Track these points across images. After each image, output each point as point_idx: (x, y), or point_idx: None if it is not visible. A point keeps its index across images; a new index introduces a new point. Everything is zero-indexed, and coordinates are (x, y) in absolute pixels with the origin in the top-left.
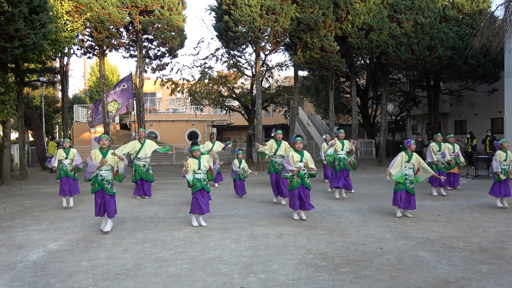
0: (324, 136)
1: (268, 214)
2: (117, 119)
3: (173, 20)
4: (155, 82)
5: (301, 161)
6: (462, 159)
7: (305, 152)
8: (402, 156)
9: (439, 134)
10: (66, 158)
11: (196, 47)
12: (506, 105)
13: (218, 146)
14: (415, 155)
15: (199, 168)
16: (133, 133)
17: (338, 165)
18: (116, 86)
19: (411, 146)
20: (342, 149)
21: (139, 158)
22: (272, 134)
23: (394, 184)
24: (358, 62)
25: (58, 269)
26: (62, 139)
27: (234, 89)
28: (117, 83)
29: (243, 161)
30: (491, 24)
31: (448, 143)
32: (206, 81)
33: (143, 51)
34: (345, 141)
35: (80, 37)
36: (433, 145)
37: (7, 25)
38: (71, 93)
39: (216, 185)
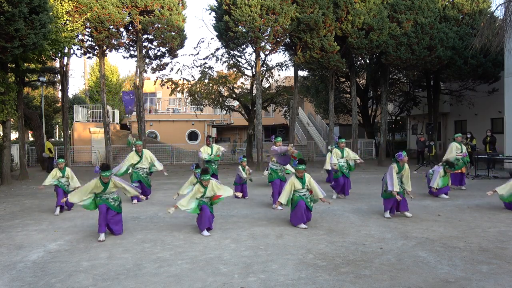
0: (329, 147)
1: (268, 214)
2: (116, 119)
3: (173, 20)
4: (155, 82)
5: (303, 188)
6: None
7: (307, 178)
8: (394, 169)
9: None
10: (62, 177)
11: (196, 47)
12: (506, 105)
13: (217, 149)
14: (406, 166)
15: (202, 196)
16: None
17: (336, 173)
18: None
19: (403, 159)
20: (342, 157)
21: (138, 168)
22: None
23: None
24: (358, 62)
25: (58, 269)
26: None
27: (234, 89)
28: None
29: (246, 168)
30: (491, 24)
31: (456, 142)
32: (206, 81)
33: (143, 51)
34: (346, 149)
35: (80, 37)
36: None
37: (7, 25)
38: (71, 93)
39: None
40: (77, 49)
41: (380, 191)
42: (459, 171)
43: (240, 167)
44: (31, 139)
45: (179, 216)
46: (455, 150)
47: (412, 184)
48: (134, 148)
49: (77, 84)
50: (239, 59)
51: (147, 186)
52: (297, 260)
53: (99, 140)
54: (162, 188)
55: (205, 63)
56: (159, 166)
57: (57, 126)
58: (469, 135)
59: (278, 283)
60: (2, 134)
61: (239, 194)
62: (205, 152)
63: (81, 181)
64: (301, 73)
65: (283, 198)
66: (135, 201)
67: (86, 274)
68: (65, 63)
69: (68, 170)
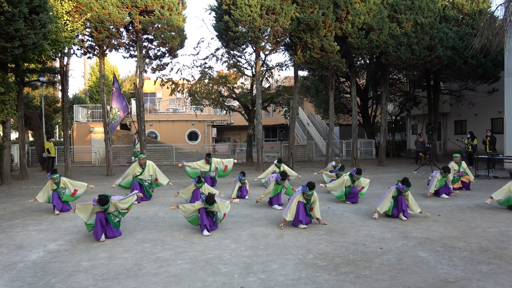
0: (334, 163)
1: (268, 214)
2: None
3: (173, 20)
4: (155, 82)
5: (307, 204)
6: (471, 177)
7: (313, 198)
8: (391, 193)
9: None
10: (58, 188)
11: (196, 47)
12: (506, 105)
13: (216, 163)
14: (409, 194)
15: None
16: (133, 158)
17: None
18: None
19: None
20: (351, 186)
21: (140, 179)
22: (277, 179)
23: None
24: (358, 62)
25: (58, 269)
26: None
27: (234, 89)
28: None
29: (246, 184)
30: (491, 24)
31: (454, 162)
32: (206, 81)
33: (143, 51)
34: (357, 181)
35: (80, 37)
36: (453, 164)
37: (7, 25)
38: (71, 93)
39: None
40: (77, 49)
41: (380, 191)
42: (462, 179)
43: (237, 183)
44: (31, 139)
45: (179, 216)
46: (452, 172)
47: (412, 184)
48: (137, 156)
49: (77, 84)
50: (239, 59)
51: (147, 195)
52: (297, 260)
53: (99, 140)
54: (162, 188)
55: (205, 63)
56: (164, 181)
57: (57, 126)
58: (469, 135)
59: (278, 283)
60: (2, 134)
61: (237, 200)
62: (201, 167)
63: (80, 181)
64: (301, 73)
65: (288, 215)
66: (135, 202)
67: (86, 274)
68: (65, 63)
69: (63, 181)
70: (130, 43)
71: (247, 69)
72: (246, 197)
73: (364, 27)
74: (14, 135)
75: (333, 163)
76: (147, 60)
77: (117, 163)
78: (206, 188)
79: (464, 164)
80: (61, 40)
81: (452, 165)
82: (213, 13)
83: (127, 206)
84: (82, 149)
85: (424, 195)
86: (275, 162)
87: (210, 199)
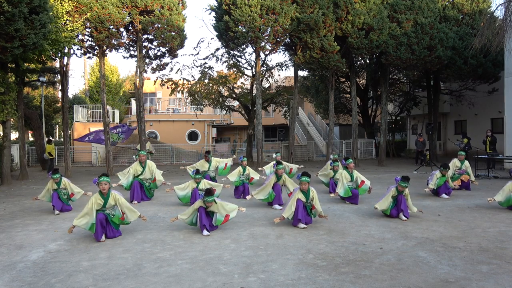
0: (332, 156)
1: (268, 214)
2: (116, 119)
3: (173, 20)
4: (155, 82)
5: (306, 202)
6: (472, 178)
7: (312, 194)
8: (391, 192)
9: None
10: (58, 188)
11: (196, 47)
12: (506, 105)
13: (216, 162)
14: (406, 191)
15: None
16: (134, 156)
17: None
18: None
19: (399, 185)
20: (352, 181)
21: (141, 179)
22: (274, 169)
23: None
24: (358, 62)
25: (58, 269)
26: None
27: (234, 89)
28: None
29: (247, 167)
30: (491, 24)
31: (457, 160)
32: (206, 81)
33: (143, 51)
34: (356, 172)
35: (80, 37)
36: (455, 161)
37: (7, 25)
38: (71, 93)
39: None
40: (77, 49)
41: (380, 191)
42: (462, 178)
43: (240, 167)
44: (31, 139)
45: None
46: (453, 168)
47: (412, 184)
48: (137, 158)
49: (77, 84)
50: (239, 59)
51: (148, 195)
52: (297, 260)
53: None
54: (162, 188)
55: (205, 63)
56: (161, 178)
57: (57, 126)
58: (461, 136)
59: (278, 283)
60: (2, 134)
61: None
62: (202, 167)
63: (80, 185)
64: (301, 73)
65: (287, 213)
66: (135, 201)
67: (86, 274)
68: (65, 63)
69: (63, 181)
70: (130, 43)
71: (247, 69)
72: (247, 197)
73: (364, 27)
74: (14, 135)
75: (331, 156)
76: (147, 60)
77: (117, 163)
78: (206, 184)
79: (467, 163)
80: (61, 40)
81: (454, 162)
82: (213, 13)
83: (126, 210)
84: (82, 149)
85: (424, 195)
86: (276, 161)
87: (209, 191)
